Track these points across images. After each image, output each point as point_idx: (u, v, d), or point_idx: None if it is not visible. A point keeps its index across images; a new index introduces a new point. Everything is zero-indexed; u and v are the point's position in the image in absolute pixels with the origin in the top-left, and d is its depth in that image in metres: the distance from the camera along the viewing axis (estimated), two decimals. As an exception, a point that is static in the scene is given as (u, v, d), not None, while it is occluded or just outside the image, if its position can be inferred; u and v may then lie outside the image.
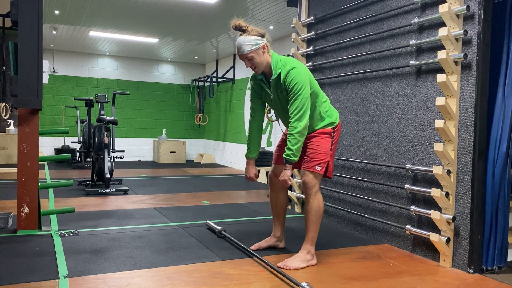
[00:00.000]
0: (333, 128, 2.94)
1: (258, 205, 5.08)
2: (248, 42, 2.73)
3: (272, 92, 2.88)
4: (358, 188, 3.88)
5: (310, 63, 4.52)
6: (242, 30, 2.76)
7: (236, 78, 9.92)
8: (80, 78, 10.21)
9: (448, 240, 2.94)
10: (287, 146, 2.74)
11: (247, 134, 3.08)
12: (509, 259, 3.02)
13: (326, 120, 2.94)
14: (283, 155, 2.76)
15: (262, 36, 2.78)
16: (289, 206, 4.35)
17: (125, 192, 5.64)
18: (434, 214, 2.95)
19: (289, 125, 2.76)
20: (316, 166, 2.84)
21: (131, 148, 10.63)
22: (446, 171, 2.93)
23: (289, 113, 2.76)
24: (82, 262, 2.81)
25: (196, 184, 6.75)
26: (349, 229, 3.99)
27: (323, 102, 2.97)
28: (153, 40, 8.57)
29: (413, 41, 3.26)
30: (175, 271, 2.72)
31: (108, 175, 5.61)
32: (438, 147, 2.88)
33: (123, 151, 6.87)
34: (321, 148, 2.88)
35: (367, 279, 2.67)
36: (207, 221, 3.92)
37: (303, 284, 2.39)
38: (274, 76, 2.81)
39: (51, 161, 9.40)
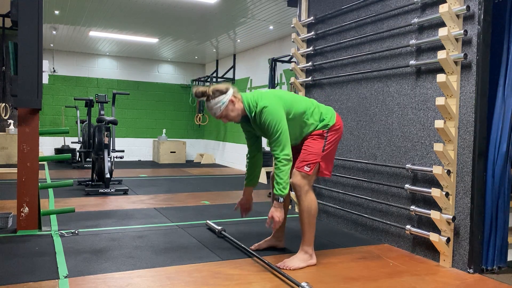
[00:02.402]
0: (327, 130, 2.93)
1: (258, 205, 5.07)
2: (215, 105, 2.78)
3: (256, 128, 2.94)
4: (358, 188, 3.88)
5: (310, 63, 4.52)
6: (204, 96, 2.81)
7: (236, 78, 9.92)
8: (80, 78, 10.21)
9: (448, 240, 2.94)
10: (275, 181, 2.76)
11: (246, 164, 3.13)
12: (509, 259, 3.02)
13: (319, 125, 2.95)
14: (274, 192, 2.77)
15: (225, 92, 2.79)
16: (289, 206, 4.36)
17: (125, 192, 5.64)
18: (434, 214, 2.95)
19: (274, 159, 2.79)
20: (305, 167, 2.86)
21: (131, 148, 10.63)
22: (446, 171, 2.93)
23: (270, 145, 2.81)
24: (82, 262, 2.81)
25: (196, 184, 6.75)
26: (349, 229, 3.99)
27: (312, 112, 2.94)
28: (153, 40, 8.57)
29: (413, 41, 3.25)
30: (175, 271, 2.72)
31: (108, 175, 5.61)
32: (438, 147, 2.88)
33: (123, 151, 6.88)
34: (312, 149, 2.90)
35: (367, 279, 2.67)
36: (207, 221, 3.92)
37: (303, 284, 2.39)
38: (251, 118, 2.88)
39: (51, 161, 9.40)
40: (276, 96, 2.85)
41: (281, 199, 2.75)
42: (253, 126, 2.93)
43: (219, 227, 3.60)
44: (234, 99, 2.81)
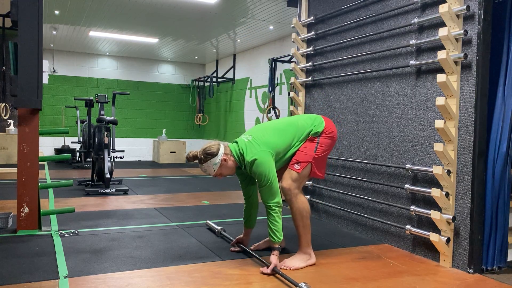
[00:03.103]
0: (317, 136, 2.96)
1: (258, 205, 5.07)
2: (208, 167, 2.83)
3: (249, 173, 2.95)
4: (358, 188, 3.88)
5: (310, 63, 4.52)
6: (196, 160, 2.86)
7: (236, 78, 9.92)
8: (80, 78, 10.21)
9: (448, 240, 2.94)
10: (270, 229, 2.79)
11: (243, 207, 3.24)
12: (509, 259, 3.02)
13: (309, 137, 2.98)
14: (271, 240, 2.79)
15: (216, 154, 2.82)
16: (288, 206, 4.35)
17: (125, 192, 5.64)
18: (434, 214, 2.95)
19: (267, 207, 2.81)
20: (295, 165, 2.91)
21: (131, 148, 10.63)
22: (446, 171, 2.93)
23: (261, 192, 2.84)
24: (82, 262, 2.81)
25: (196, 184, 6.75)
26: (349, 229, 3.99)
27: (300, 136, 2.96)
28: (153, 40, 8.57)
29: (413, 41, 3.25)
30: (175, 271, 2.72)
31: (108, 175, 5.61)
32: (438, 147, 2.88)
33: (123, 151, 6.88)
34: (304, 149, 2.94)
35: (367, 279, 2.67)
36: (207, 221, 3.92)
37: (301, 284, 2.39)
38: (243, 169, 2.92)
39: (51, 161, 9.40)
40: (261, 144, 2.84)
41: (280, 248, 2.81)
42: (244, 171, 2.97)
43: (219, 227, 3.60)
44: (226, 157, 2.85)
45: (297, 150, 2.97)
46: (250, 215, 3.17)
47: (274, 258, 2.74)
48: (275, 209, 2.78)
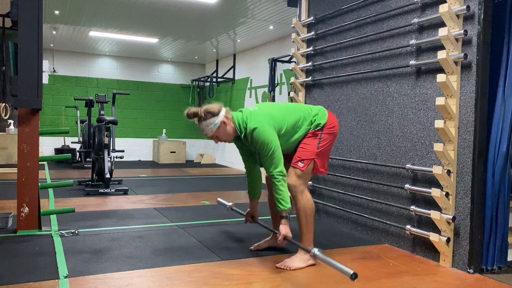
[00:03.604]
0: (320, 129, 2.94)
1: (258, 205, 5.07)
2: (206, 126, 2.78)
3: (249, 145, 2.95)
4: (358, 188, 3.88)
5: (310, 63, 4.52)
6: (196, 117, 2.81)
7: (236, 78, 9.92)
8: (80, 78, 10.21)
9: (448, 240, 2.94)
10: (276, 199, 2.79)
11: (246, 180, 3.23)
12: (509, 259, 3.02)
13: (311, 128, 2.96)
14: (278, 209, 2.80)
15: (217, 114, 2.78)
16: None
17: (125, 192, 5.64)
18: (434, 214, 2.95)
19: (270, 177, 2.80)
20: (299, 163, 2.89)
21: (131, 148, 10.63)
22: (446, 171, 2.93)
23: (264, 163, 2.82)
24: (82, 262, 2.81)
25: (196, 184, 6.75)
26: (349, 229, 3.99)
27: (303, 120, 2.95)
28: (153, 40, 8.57)
29: (413, 41, 3.25)
30: (175, 271, 2.72)
31: (108, 175, 5.61)
32: (438, 147, 2.88)
33: (123, 151, 6.87)
34: (306, 146, 2.93)
35: (367, 279, 2.67)
36: (218, 198, 3.91)
37: (314, 250, 2.45)
38: (242, 137, 2.89)
39: (51, 161, 9.40)
40: (266, 115, 2.84)
41: (288, 215, 2.79)
42: (245, 143, 2.95)
43: (230, 203, 3.60)
44: (226, 120, 2.81)
45: (301, 139, 2.94)
46: (254, 187, 3.14)
47: (283, 227, 2.76)
48: (278, 178, 2.75)
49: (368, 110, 3.79)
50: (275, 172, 2.75)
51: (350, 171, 4.00)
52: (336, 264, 2.29)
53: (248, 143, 2.89)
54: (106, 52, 10.16)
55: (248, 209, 3.24)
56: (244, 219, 3.31)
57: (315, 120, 2.95)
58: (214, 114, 2.77)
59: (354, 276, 2.15)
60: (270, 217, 3.35)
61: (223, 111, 2.81)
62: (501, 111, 2.89)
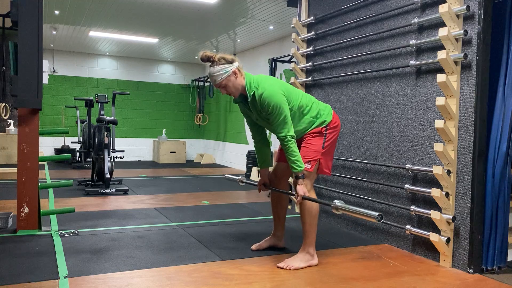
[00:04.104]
0: (325, 127, 2.94)
1: (258, 205, 5.08)
2: (217, 72, 2.76)
3: (253, 111, 2.92)
4: (358, 188, 3.88)
5: (310, 63, 4.52)
6: (209, 61, 2.79)
7: (236, 78, 9.91)
8: (80, 78, 10.20)
9: (448, 240, 2.94)
10: (290, 161, 2.77)
11: (255, 149, 3.20)
12: (509, 259, 3.02)
13: (316, 122, 2.95)
14: (293, 171, 2.79)
15: (231, 62, 2.78)
16: (289, 206, 4.35)
17: (125, 192, 5.64)
18: (434, 214, 2.95)
19: (280, 140, 2.79)
20: (306, 164, 2.86)
21: (131, 148, 10.63)
22: (446, 171, 2.93)
23: (275, 129, 2.81)
24: (82, 262, 2.81)
25: (196, 184, 6.75)
26: (349, 229, 3.99)
27: (310, 108, 2.95)
28: (153, 40, 8.57)
29: (413, 41, 3.26)
30: (175, 271, 2.72)
31: (108, 175, 5.61)
32: (438, 147, 2.88)
33: (123, 151, 6.87)
34: (312, 146, 2.91)
35: (367, 279, 2.67)
36: (226, 175, 3.89)
37: (335, 201, 2.53)
38: (249, 98, 2.85)
39: (51, 161, 9.40)
40: (277, 82, 2.87)
41: (303, 175, 2.77)
42: (251, 109, 2.91)
43: (239, 177, 3.57)
44: (238, 72, 2.80)
45: (305, 131, 2.93)
46: (264, 155, 3.13)
47: (300, 188, 2.76)
48: (291, 140, 2.75)
49: (368, 110, 3.79)
50: (289, 135, 2.75)
51: (350, 171, 4.00)
52: (359, 210, 2.47)
53: (255, 110, 2.86)
54: (106, 52, 10.16)
55: (260, 178, 3.19)
56: (257, 188, 3.22)
57: (322, 114, 2.95)
58: (228, 62, 2.77)
59: (379, 218, 2.28)
60: (271, 217, 3.34)
61: (237, 63, 2.82)
62: (501, 111, 2.89)
